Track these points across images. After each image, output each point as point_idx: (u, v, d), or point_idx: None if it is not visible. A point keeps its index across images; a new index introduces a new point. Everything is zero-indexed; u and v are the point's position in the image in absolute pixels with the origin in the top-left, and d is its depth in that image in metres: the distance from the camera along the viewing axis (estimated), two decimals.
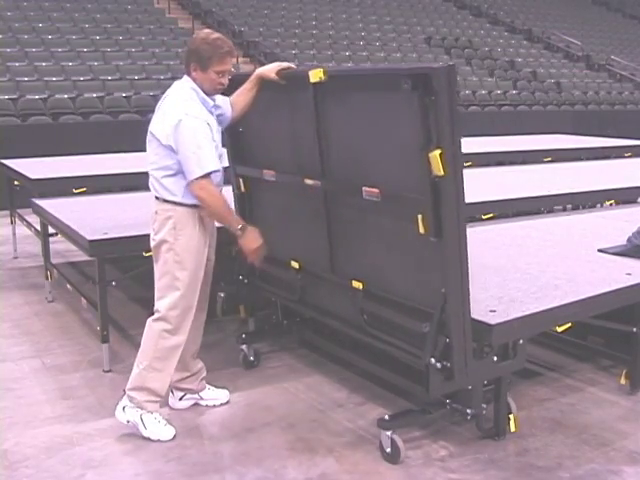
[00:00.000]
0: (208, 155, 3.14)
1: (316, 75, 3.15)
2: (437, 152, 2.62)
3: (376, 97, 2.98)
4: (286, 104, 3.56)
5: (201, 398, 3.61)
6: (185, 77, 3.29)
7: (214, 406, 3.59)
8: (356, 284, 3.31)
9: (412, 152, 2.77)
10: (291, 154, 3.61)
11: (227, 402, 3.63)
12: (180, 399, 3.57)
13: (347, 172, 3.26)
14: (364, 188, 3.08)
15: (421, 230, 2.80)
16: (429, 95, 2.61)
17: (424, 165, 2.69)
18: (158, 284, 3.31)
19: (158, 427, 3.28)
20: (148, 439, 3.25)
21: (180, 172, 3.19)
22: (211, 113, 3.29)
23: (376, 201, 3.05)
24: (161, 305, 3.29)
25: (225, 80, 3.26)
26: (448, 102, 2.58)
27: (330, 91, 3.19)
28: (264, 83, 3.49)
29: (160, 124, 3.20)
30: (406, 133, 2.80)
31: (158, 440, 3.24)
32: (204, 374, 3.63)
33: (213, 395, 3.62)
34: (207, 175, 3.13)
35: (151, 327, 3.31)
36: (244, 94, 3.50)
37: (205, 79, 3.21)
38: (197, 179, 3.12)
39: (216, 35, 3.25)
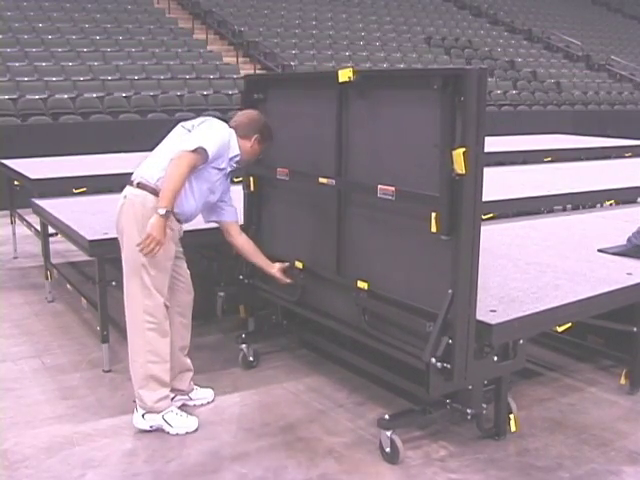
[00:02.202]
0: (210, 143, 3.23)
1: (345, 75, 3.24)
2: (461, 150, 2.68)
3: (404, 96, 3.07)
4: (309, 103, 3.64)
5: (190, 399, 3.61)
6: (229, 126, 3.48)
7: (202, 405, 3.60)
8: (361, 284, 3.32)
9: (433, 150, 2.84)
10: (307, 153, 3.67)
11: (213, 400, 3.64)
12: (171, 399, 3.53)
13: (363, 170, 3.32)
14: (379, 186, 3.13)
15: (433, 229, 2.84)
16: (458, 95, 2.70)
17: (445, 162, 2.76)
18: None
19: (182, 420, 3.34)
20: (176, 435, 3.31)
21: None
22: (228, 163, 3.44)
23: (390, 200, 3.10)
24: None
25: (256, 158, 3.64)
26: (477, 103, 2.68)
27: (356, 90, 3.29)
28: (290, 91, 3.84)
29: (200, 123, 3.40)
30: (430, 131, 2.87)
31: (186, 433, 3.31)
32: (192, 374, 3.63)
33: (201, 395, 3.64)
34: (196, 152, 3.17)
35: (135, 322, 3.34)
36: (253, 255, 3.73)
37: (255, 151, 3.54)
38: (188, 150, 3.16)
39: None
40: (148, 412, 3.33)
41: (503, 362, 3.11)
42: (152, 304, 3.28)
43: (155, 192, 3.22)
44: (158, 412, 3.33)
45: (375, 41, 16.33)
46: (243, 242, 3.69)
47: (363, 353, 3.57)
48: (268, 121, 3.57)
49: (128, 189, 3.33)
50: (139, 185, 3.27)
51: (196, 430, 3.33)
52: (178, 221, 3.35)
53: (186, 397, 3.59)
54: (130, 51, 13.00)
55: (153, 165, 3.32)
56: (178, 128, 3.44)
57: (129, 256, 3.28)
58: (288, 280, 3.73)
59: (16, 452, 3.17)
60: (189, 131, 3.35)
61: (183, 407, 3.54)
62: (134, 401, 3.37)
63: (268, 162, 3.92)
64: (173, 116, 11.25)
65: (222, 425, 3.43)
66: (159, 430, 3.34)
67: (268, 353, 4.25)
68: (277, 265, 3.74)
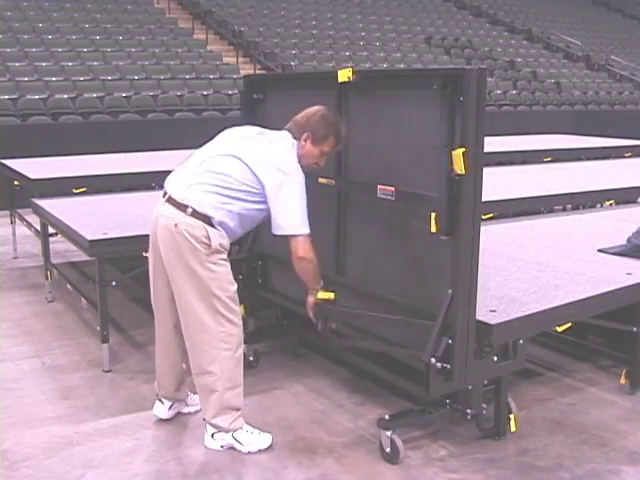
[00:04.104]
0: (301, 216, 3.04)
1: (344, 75, 3.23)
2: (461, 150, 2.68)
3: (403, 96, 3.07)
4: (308, 103, 3.60)
5: (186, 405, 3.53)
6: (287, 133, 3.19)
7: (195, 412, 3.48)
8: (361, 285, 3.31)
9: (433, 150, 2.84)
10: None
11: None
12: (169, 408, 3.46)
13: (363, 171, 3.31)
14: (379, 186, 3.12)
15: (433, 229, 2.84)
16: (458, 95, 2.70)
17: (445, 162, 2.75)
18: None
19: (254, 438, 3.20)
20: (244, 453, 3.17)
21: (238, 207, 3.06)
22: None
23: (389, 200, 3.09)
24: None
25: (323, 162, 3.25)
26: (476, 103, 2.67)
27: (356, 91, 3.28)
28: (290, 91, 3.71)
29: (260, 155, 3.05)
30: (430, 131, 2.88)
31: (258, 451, 3.16)
32: (189, 380, 3.53)
33: (197, 400, 3.43)
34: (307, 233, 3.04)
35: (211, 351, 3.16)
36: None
37: (309, 154, 3.16)
38: (303, 235, 3.03)
39: (337, 117, 3.23)
40: (218, 432, 3.19)
41: (503, 362, 3.11)
42: (226, 330, 3.12)
43: (210, 222, 3.01)
44: (229, 432, 3.18)
45: (375, 41, 16.32)
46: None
47: (363, 353, 3.56)
48: (332, 118, 3.17)
49: (178, 215, 3.02)
50: (194, 214, 3.01)
51: (269, 447, 3.18)
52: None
53: (183, 404, 3.51)
54: (130, 51, 13.00)
55: (201, 190, 3.04)
56: (231, 156, 3.08)
57: (195, 287, 3.05)
58: (312, 315, 3.31)
59: (16, 452, 3.17)
60: (259, 179, 3.01)
61: (179, 415, 3.48)
62: (204, 419, 3.24)
63: None
64: (173, 116, 11.25)
65: None
66: (159, 431, 3.34)
67: (268, 353, 4.25)
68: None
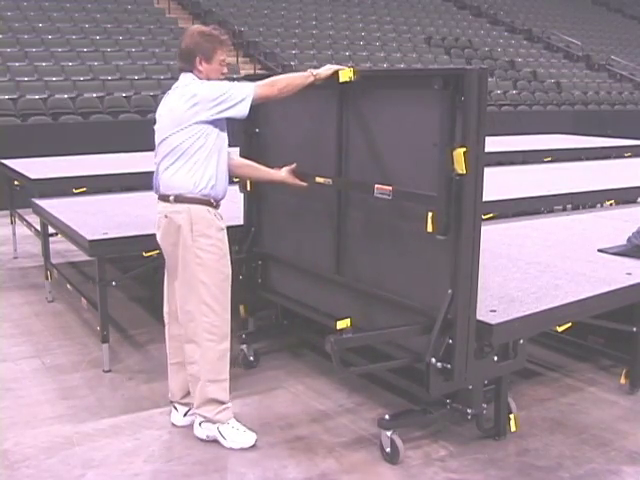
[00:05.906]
0: (239, 86, 3.12)
1: (345, 75, 3.23)
2: (462, 150, 2.68)
3: (404, 96, 3.08)
4: (308, 103, 3.61)
5: None
6: (185, 74, 3.25)
7: None
8: (360, 285, 3.31)
9: (433, 149, 2.85)
10: (305, 153, 3.65)
11: None
12: (185, 415, 3.42)
13: (362, 170, 3.31)
14: (376, 186, 3.13)
15: (429, 228, 2.84)
16: (459, 95, 2.70)
17: (444, 162, 2.75)
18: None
19: (238, 435, 3.22)
20: (230, 449, 3.18)
21: (194, 158, 3.11)
22: None
23: (387, 199, 3.09)
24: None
25: (225, 69, 3.30)
26: (477, 103, 2.69)
27: (357, 91, 3.28)
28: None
29: (170, 115, 3.17)
30: (430, 131, 2.88)
31: (241, 448, 3.18)
32: None
33: None
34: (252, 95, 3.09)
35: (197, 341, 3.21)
36: (255, 171, 3.58)
37: (211, 70, 3.23)
38: (253, 97, 3.09)
39: (209, 27, 3.31)
40: (206, 421, 3.24)
41: (503, 362, 3.11)
42: (210, 321, 3.15)
43: (193, 200, 3.10)
44: (215, 423, 3.22)
45: (375, 41, 16.32)
46: (238, 163, 3.51)
47: (363, 353, 3.56)
48: (205, 31, 3.24)
49: (166, 206, 3.16)
50: (176, 200, 3.12)
51: (253, 446, 3.20)
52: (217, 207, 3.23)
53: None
54: (130, 51, 13.00)
55: (171, 175, 3.13)
56: (158, 137, 3.21)
57: (183, 274, 3.16)
58: (300, 182, 3.51)
59: (16, 452, 3.17)
60: (191, 125, 3.09)
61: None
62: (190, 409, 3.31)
63: (267, 162, 3.92)
64: None
65: None
66: (159, 431, 3.34)
67: (268, 353, 4.25)
68: (284, 169, 3.53)
